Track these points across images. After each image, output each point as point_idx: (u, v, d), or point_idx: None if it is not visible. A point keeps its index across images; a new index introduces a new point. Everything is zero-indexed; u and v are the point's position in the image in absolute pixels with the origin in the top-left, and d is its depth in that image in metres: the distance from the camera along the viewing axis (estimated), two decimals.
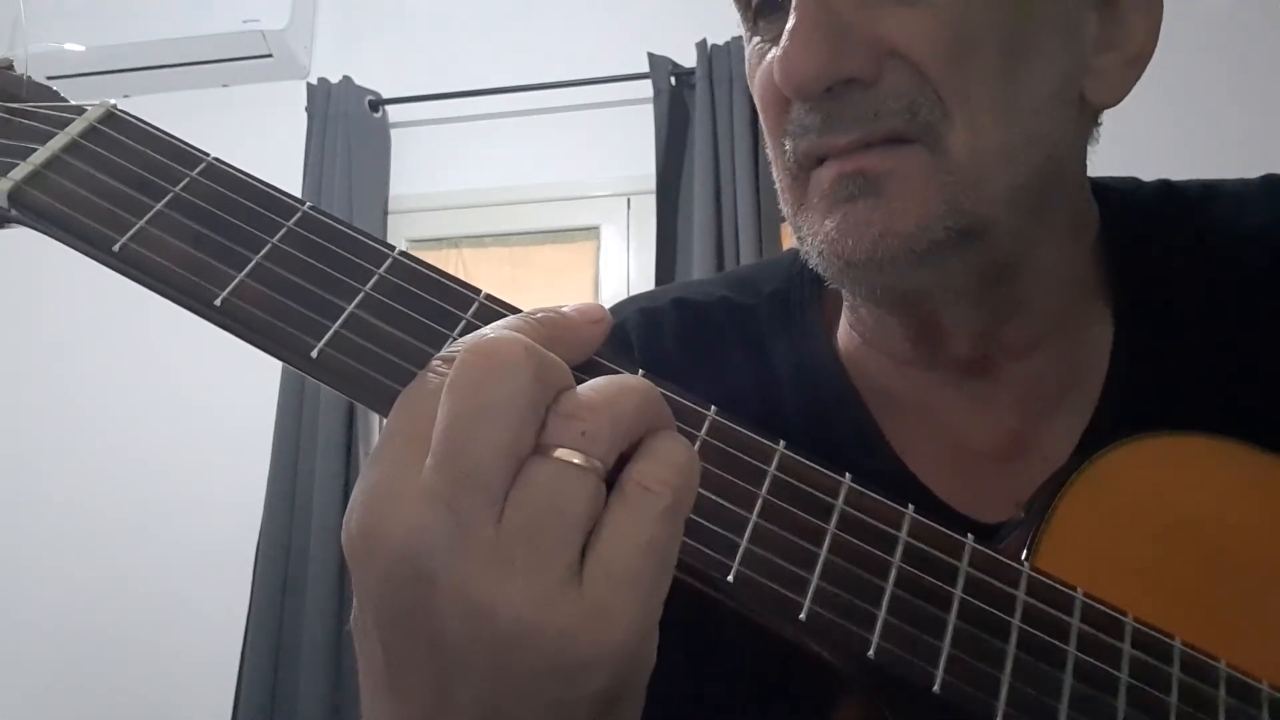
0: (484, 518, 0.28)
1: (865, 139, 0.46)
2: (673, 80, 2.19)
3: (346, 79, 2.34)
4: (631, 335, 0.61)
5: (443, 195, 2.36)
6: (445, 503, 0.28)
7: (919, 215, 0.46)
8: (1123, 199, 0.58)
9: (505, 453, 0.28)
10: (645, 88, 2.20)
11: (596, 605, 0.28)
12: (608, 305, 0.45)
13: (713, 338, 0.61)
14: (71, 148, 0.36)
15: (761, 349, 0.60)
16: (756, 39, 0.52)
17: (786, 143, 0.49)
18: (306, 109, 2.33)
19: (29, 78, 0.38)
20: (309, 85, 2.34)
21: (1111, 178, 0.59)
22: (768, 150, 0.54)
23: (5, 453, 2.35)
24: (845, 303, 0.59)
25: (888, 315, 0.55)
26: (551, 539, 0.28)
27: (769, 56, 0.50)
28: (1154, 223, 0.57)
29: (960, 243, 0.46)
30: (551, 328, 0.33)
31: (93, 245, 0.35)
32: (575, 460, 0.29)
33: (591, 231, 2.34)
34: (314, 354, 0.34)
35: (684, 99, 2.19)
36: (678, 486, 0.30)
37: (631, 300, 0.65)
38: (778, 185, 0.53)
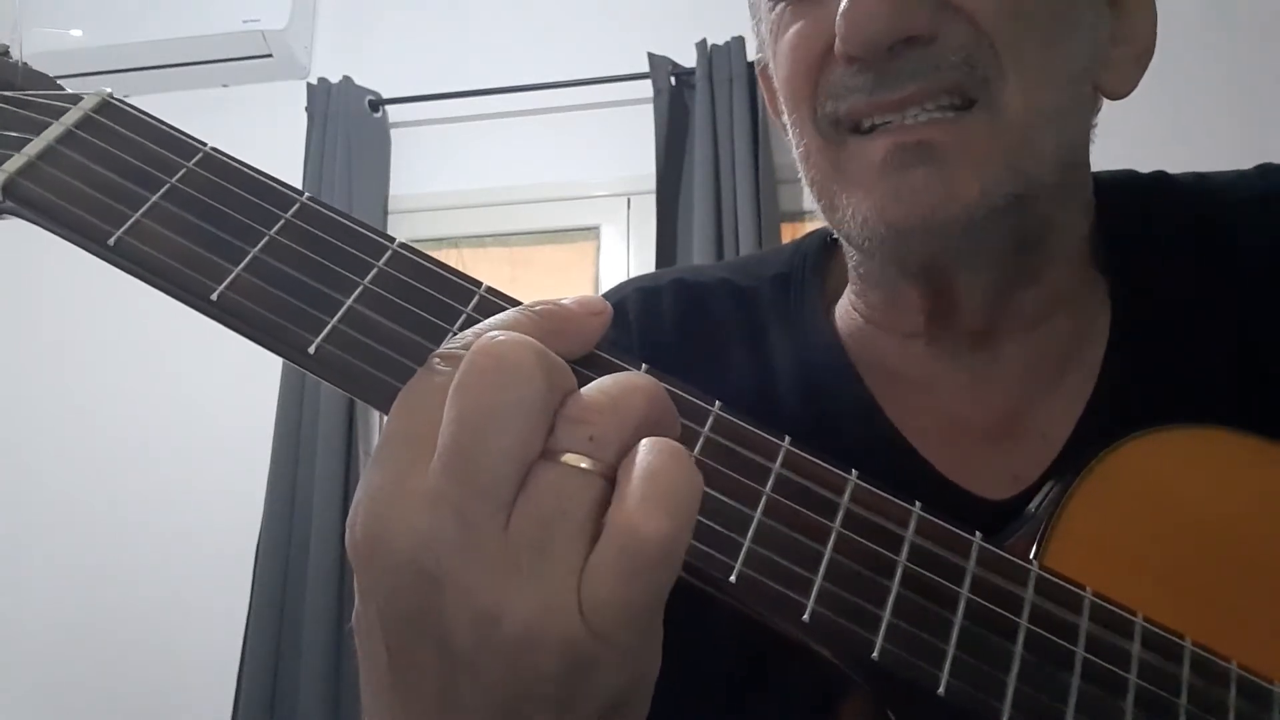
0: (492, 524, 0.28)
1: (924, 93, 0.46)
2: (673, 80, 2.18)
3: (346, 79, 2.33)
4: (630, 314, 0.61)
5: (443, 195, 2.35)
6: (453, 508, 0.28)
7: (982, 180, 0.46)
8: (1118, 188, 0.59)
9: (515, 459, 0.28)
10: (645, 88, 2.19)
11: None
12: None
13: (711, 318, 0.61)
14: (66, 138, 0.35)
15: (760, 329, 0.60)
16: (781, 4, 0.52)
17: (823, 105, 0.49)
18: (306, 109, 2.32)
19: (25, 64, 0.37)
20: (309, 85, 2.34)
21: (1107, 171, 0.60)
22: (784, 119, 0.54)
23: (1, 452, 2.34)
24: (850, 284, 0.59)
25: (904, 286, 0.54)
26: (559, 545, 0.28)
27: (794, 28, 0.50)
28: (1149, 209, 0.58)
29: (1013, 207, 0.47)
30: (552, 321, 0.33)
31: (87, 238, 0.34)
32: (583, 465, 0.29)
33: (591, 231, 2.33)
34: (312, 350, 0.33)
35: (684, 99, 2.18)
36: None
37: (631, 280, 0.65)
38: (800, 151, 0.52)
